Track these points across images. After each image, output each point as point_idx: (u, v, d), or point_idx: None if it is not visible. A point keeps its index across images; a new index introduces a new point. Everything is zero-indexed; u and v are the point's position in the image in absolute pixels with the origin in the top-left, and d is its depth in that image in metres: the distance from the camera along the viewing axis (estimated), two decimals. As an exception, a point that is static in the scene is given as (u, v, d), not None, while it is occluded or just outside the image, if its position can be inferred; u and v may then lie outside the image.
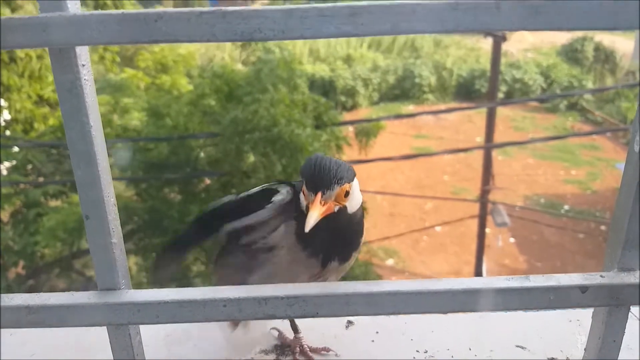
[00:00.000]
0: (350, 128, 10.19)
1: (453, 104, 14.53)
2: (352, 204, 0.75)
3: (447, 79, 15.16)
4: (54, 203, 7.53)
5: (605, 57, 15.96)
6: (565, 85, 15.01)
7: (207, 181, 7.62)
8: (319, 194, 0.71)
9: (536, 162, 12.96)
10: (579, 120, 14.71)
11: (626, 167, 0.57)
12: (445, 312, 0.56)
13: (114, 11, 0.46)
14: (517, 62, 15.30)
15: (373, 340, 0.84)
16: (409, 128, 13.73)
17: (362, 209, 0.79)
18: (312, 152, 6.64)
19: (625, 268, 0.58)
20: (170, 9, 0.45)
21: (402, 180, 12.79)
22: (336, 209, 0.73)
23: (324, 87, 14.48)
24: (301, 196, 0.76)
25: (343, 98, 15.03)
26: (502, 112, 13.70)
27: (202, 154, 7.65)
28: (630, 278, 0.57)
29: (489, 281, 0.56)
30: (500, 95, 14.73)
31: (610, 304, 0.57)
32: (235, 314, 0.55)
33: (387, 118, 12.07)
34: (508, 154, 12.77)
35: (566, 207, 12.07)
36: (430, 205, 12.01)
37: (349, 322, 0.89)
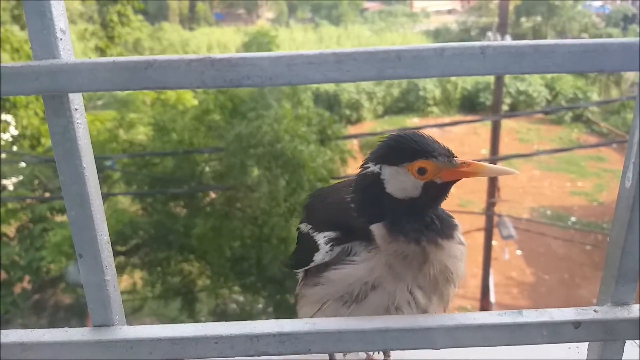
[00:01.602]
0: (355, 141, 10.22)
1: (458, 117, 14.55)
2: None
3: (451, 92, 15.20)
4: (59, 218, 7.57)
5: (610, 68, 15.94)
6: (570, 97, 15.01)
7: (212, 195, 7.65)
8: (451, 160, 0.68)
9: (542, 174, 12.92)
10: (584, 131, 14.68)
11: (617, 202, 0.57)
12: (437, 348, 0.56)
13: (105, 59, 0.47)
14: (522, 74, 15.34)
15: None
16: (413, 141, 13.74)
17: None
18: (314, 167, 6.66)
19: (619, 302, 0.58)
20: (160, 57, 0.46)
21: (408, 193, 12.77)
22: (438, 181, 0.69)
23: (329, 101, 14.55)
24: (404, 178, 0.69)
25: (348, 112, 15.09)
26: (507, 124, 13.71)
27: (207, 169, 7.69)
28: (624, 313, 0.57)
29: (482, 316, 0.56)
30: (505, 107, 14.75)
31: (604, 339, 0.57)
32: (227, 351, 0.55)
33: (391, 131, 12.07)
34: (513, 166, 12.72)
35: (573, 219, 12.00)
36: (436, 218, 11.98)
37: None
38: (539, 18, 17.26)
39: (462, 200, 11.71)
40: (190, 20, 19.14)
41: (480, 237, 9.41)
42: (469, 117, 13.42)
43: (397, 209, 0.70)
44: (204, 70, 0.46)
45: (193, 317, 7.62)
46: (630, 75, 16.50)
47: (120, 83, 0.46)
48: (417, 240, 0.68)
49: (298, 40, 17.12)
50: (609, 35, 15.86)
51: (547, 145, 13.14)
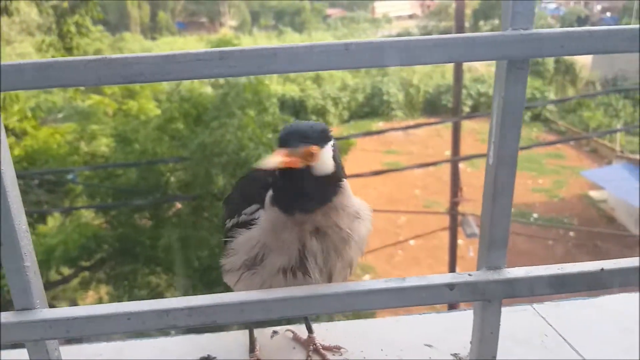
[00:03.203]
0: (322, 146, 10.24)
1: (421, 120, 14.83)
2: (320, 166, 0.79)
3: (414, 96, 15.50)
4: None
5: (566, 68, 16.54)
6: (529, 97, 15.48)
7: (178, 205, 7.58)
8: (285, 149, 0.78)
9: (504, 173, 13.26)
10: (543, 130, 15.17)
11: (485, 178, 0.65)
12: (331, 313, 0.62)
13: (10, 62, 0.52)
14: (482, 76, 15.75)
15: (294, 347, 0.91)
16: (379, 144, 13.94)
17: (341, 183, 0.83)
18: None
19: (492, 267, 0.66)
20: (62, 58, 0.52)
21: (375, 195, 12.94)
22: (302, 166, 0.78)
23: (295, 107, 14.63)
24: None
25: (314, 117, 15.20)
26: (469, 125, 14.03)
27: (172, 179, 7.61)
28: (495, 275, 0.65)
29: (371, 283, 0.63)
30: (467, 109, 15.11)
31: (477, 299, 0.65)
32: (139, 326, 0.60)
33: (357, 135, 12.24)
34: (476, 166, 13.04)
35: (535, 215, 12.37)
36: (403, 220, 12.16)
37: (274, 332, 0.95)
38: (496, 21, 17.77)
39: (428, 201, 11.93)
40: (152, 29, 18.93)
41: (446, 236, 9.60)
42: (432, 120, 13.69)
43: (277, 183, 0.83)
44: (101, 69, 0.52)
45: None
46: (585, 75, 17.14)
47: (25, 82, 0.51)
48: (289, 209, 0.80)
49: (262, 48, 17.12)
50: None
51: (507, 144, 13.46)
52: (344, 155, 9.20)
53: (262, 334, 0.95)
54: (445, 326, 0.92)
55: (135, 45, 16.09)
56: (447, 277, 0.64)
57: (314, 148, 0.78)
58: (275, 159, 0.77)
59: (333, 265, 0.81)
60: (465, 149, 10.85)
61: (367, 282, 0.63)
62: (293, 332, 0.95)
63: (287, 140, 0.79)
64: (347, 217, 0.82)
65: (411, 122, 14.19)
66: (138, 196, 7.60)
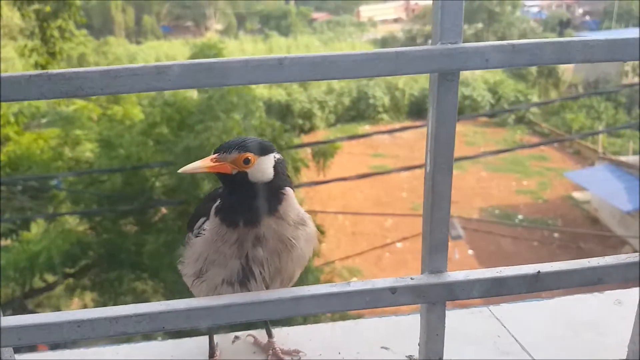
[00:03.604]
0: (309, 150, 10.33)
1: (407, 123, 14.93)
2: (255, 174, 0.82)
3: (400, 99, 15.61)
4: (3, 242, 7.29)
5: (549, 71, 16.77)
6: (512, 100, 15.68)
7: (164, 210, 7.54)
8: (215, 155, 0.82)
9: (489, 175, 13.41)
10: (527, 132, 15.35)
11: (424, 185, 0.68)
12: (277, 318, 0.64)
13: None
14: (466, 79, 15.92)
15: (254, 352, 0.93)
16: (366, 148, 14.01)
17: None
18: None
19: (434, 270, 0.69)
20: (5, 74, 0.53)
21: (362, 198, 12.99)
22: (234, 172, 0.81)
23: (281, 111, 14.66)
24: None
25: (300, 121, 15.24)
26: (454, 128, 14.14)
27: (157, 183, 7.57)
28: (436, 279, 0.68)
29: (315, 288, 0.65)
30: (452, 111, 15.21)
31: (419, 302, 0.67)
32: (89, 333, 0.62)
33: (342, 139, 12.30)
34: (462, 168, 13.16)
35: (520, 216, 12.50)
36: (390, 222, 12.22)
37: (236, 337, 0.97)
38: (480, 25, 17.99)
39: (414, 204, 12.00)
40: (137, 33, 18.85)
41: (432, 238, 9.62)
42: (418, 123, 13.78)
43: (223, 193, 0.86)
44: (42, 84, 0.53)
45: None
46: (567, 78, 17.38)
47: (-33, 97, 0.53)
48: (232, 221, 0.82)
49: (248, 51, 17.18)
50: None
51: (492, 147, 13.65)
52: (330, 159, 9.25)
53: (225, 339, 0.96)
54: (403, 328, 0.95)
55: (119, 49, 16.03)
56: (390, 281, 0.66)
57: (249, 154, 0.81)
58: (201, 163, 0.80)
59: (277, 274, 0.84)
60: (451, 151, 10.92)
61: (312, 287, 0.65)
62: (254, 336, 0.97)
63: (221, 147, 0.83)
64: (291, 227, 0.84)
65: (397, 125, 14.28)
66: (123, 202, 7.55)
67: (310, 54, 0.56)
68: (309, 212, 0.90)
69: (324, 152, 9.49)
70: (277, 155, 0.86)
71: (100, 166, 7.44)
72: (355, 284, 0.66)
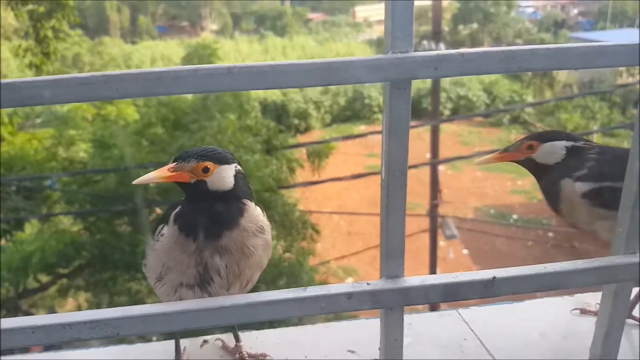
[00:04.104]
0: (304, 150, 10.34)
1: (402, 123, 14.90)
2: (215, 182, 0.82)
3: (395, 99, 15.58)
4: (-2, 242, 7.28)
5: (543, 72, 16.80)
6: (507, 100, 15.71)
7: (158, 211, 7.54)
8: (173, 164, 0.82)
9: (484, 175, 13.45)
10: (522, 132, 15.36)
11: (380, 192, 0.68)
12: (233, 324, 0.65)
13: None
14: (461, 80, 15.94)
15: (221, 356, 0.93)
16: (361, 148, 14.02)
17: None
18: (260, 177, 6.72)
19: (390, 276, 0.69)
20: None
21: (357, 198, 13.00)
22: (192, 181, 0.82)
23: (277, 111, 14.65)
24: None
25: (296, 121, 15.24)
26: (449, 128, 14.19)
27: (151, 184, 7.56)
28: (391, 284, 0.68)
29: (271, 294, 0.66)
30: (447, 112, 15.27)
31: (375, 307, 0.68)
32: (44, 339, 0.62)
33: (337, 139, 12.31)
34: (457, 168, 13.19)
35: (515, 216, 12.55)
36: (385, 222, 12.23)
37: (204, 341, 0.97)
38: (475, 25, 18.02)
39: (409, 204, 11.85)
40: (132, 33, 18.82)
41: (427, 238, 9.69)
42: (413, 123, 13.71)
43: (183, 203, 0.87)
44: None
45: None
46: (562, 77, 17.42)
47: None
48: (191, 232, 0.83)
49: (244, 51, 17.16)
50: (542, 41, 16.65)
51: (487, 147, 13.68)
52: (325, 159, 9.27)
53: (193, 343, 0.97)
54: (371, 332, 0.95)
55: (114, 49, 15.99)
56: (346, 287, 0.67)
57: (207, 163, 0.82)
58: (157, 173, 0.80)
59: (236, 279, 0.84)
60: (446, 151, 10.96)
61: (268, 293, 0.66)
62: (222, 340, 0.98)
63: (179, 156, 0.83)
64: (251, 236, 0.85)
65: (392, 125, 14.27)
66: (117, 202, 7.55)
67: (259, 63, 0.56)
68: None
69: (319, 152, 9.50)
70: (238, 167, 0.86)
71: (94, 166, 7.43)
72: (311, 290, 0.67)
